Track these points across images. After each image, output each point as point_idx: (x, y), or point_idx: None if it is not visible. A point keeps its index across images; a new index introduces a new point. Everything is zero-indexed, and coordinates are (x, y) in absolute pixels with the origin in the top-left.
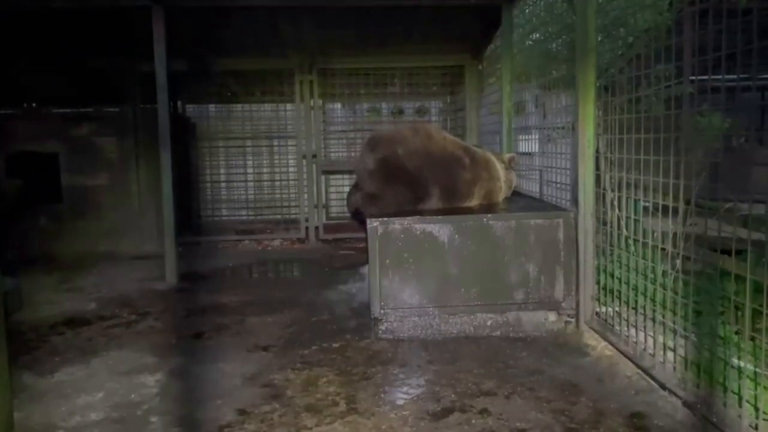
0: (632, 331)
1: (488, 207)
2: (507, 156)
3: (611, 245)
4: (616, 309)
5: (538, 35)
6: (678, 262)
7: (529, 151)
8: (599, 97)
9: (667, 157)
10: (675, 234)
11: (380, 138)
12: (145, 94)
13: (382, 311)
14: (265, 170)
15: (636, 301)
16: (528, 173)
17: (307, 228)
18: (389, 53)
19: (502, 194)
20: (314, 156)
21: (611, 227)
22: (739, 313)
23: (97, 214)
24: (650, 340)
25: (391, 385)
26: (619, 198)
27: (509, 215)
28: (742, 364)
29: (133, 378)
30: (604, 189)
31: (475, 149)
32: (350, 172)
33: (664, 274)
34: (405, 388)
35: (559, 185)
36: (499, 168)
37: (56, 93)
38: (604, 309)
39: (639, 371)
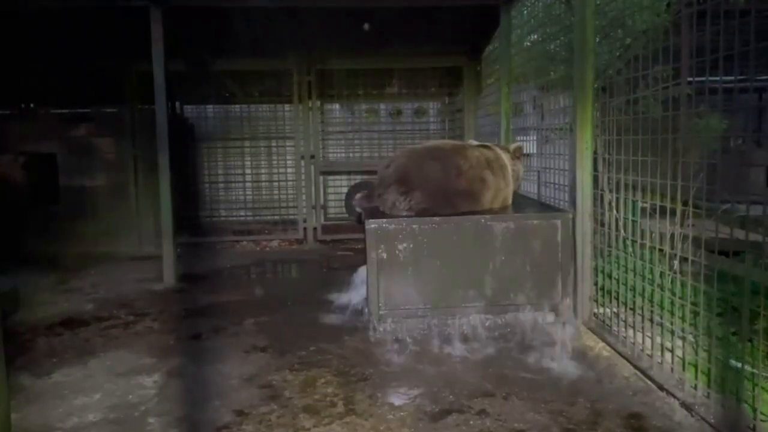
0: (630, 332)
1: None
2: (513, 146)
3: (609, 246)
4: (614, 310)
5: (536, 36)
6: (676, 263)
7: (527, 152)
8: (597, 98)
9: (665, 158)
10: (673, 235)
11: (413, 181)
12: (143, 94)
13: (380, 312)
14: (263, 171)
15: (634, 302)
16: (526, 174)
17: (305, 229)
18: (387, 54)
19: (511, 193)
20: (312, 157)
21: (609, 228)
22: (737, 314)
23: (94, 215)
24: (648, 341)
25: (389, 385)
26: (617, 199)
27: (507, 216)
28: (739, 365)
29: (131, 379)
30: (602, 190)
31: (491, 157)
32: (348, 172)
33: (662, 275)
34: (403, 389)
35: (557, 186)
36: (509, 166)
37: (54, 93)
38: (602, 310)
39: (637, 372)
